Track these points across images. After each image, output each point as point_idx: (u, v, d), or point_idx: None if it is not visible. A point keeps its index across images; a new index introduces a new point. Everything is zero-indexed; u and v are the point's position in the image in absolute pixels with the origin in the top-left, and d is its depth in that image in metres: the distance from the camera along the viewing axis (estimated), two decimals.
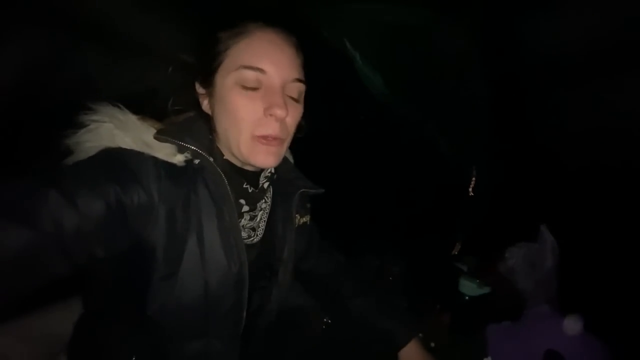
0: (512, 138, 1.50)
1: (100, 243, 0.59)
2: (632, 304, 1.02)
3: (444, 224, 1.70)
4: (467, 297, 1.37)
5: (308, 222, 0.93)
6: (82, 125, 0.64)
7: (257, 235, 0.79)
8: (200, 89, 0.72)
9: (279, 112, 0.66)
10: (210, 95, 0.70)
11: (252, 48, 0.66)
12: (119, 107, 0.67)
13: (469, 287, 1.38)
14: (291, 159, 0.91)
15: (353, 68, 1.36)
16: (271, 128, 0.67)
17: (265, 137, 0.68)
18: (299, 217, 0.88)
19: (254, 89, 0.66)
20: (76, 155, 0.63)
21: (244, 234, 0.75)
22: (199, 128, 0.72)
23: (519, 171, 1.48)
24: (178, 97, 0.74)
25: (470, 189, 1.65)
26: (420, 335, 0.96)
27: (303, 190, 0.84)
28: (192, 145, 0.68)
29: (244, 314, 0.76)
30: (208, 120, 0.73)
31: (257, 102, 0.66)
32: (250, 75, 0.65)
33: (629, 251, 1.14)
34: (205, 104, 0.73)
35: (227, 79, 0.67)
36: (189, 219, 0.68)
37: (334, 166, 1.44)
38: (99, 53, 0.93)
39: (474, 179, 1.65)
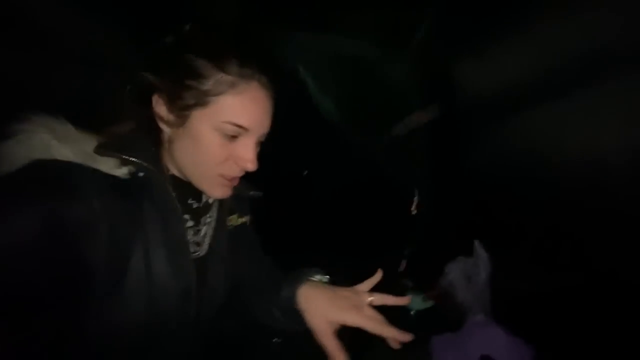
0: (450, 162, 1.62)
1: (34, 264, 0.54)
2: (557, 309, 1.13)
3: (391, 241, 1.76)
4: (412, 311, 1.45)
5: (247, 222, 0.91)
6: (11, 136, 0.59)
7: (202, 250, 0.77)
8: (162, 111, 0.68)
9: (250, 167, 0.68)
10: (177, 125, 0.67)
11: (242, 105, 0.65)
12: (55, 116, 0.63)
13: (415, 302, 1.45)
14: None
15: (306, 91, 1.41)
16: (237, 172, 0.69)
17: (229, 178, 0.69)
18: (236, 217, 0.87)
19: (232, 138, 0.66)
20: (1, 168, 0.58)
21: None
22: (144, 141, 0.70)
23: (455, 192, 1.59)
24: (129, 110, 0.71)
25: (413, 208, 1.75)
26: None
27: (236, 191, 0.82)
28: (137, 159, 0.65)
29: (191, 331, 0.74)
30: (155, 133, 0.71)
31: (230, 151, 0.67)
32: (232, 129, 0.65)
33: (556, 260, 1.26)
34: (164, 126, 0.69)
35: (208, 124, 0.65)
36: (133, 234, 0.65)
37: (283, 181, 1.46)
38: (35, 58, 0.87)
39: (416, 198, 1.75)
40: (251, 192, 0.87)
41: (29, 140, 0.59)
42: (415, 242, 1.75)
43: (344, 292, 0.77)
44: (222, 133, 0.65)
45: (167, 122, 0.68)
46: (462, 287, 1.31)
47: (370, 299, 0.76)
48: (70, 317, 0.62)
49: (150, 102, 0.68)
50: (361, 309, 0.73)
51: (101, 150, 0.63)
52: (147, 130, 0.70)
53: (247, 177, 0.85)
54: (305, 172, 1.70)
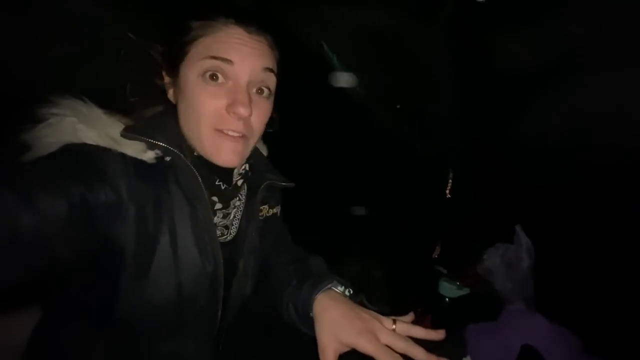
0: (487, 140, 1.52)
1: (63, 246, 0.56)
2: (603, 299, 1.05)
3: (423, 227, 1.70)
4: (447, 299, 1.40)
5: (278, 214, 0.91)
6: (41, 120, 0.60)
7: (230, 234, 0.77)
8: (166, 77, 0.71)
9: (242, 111, 0.64)
10: (174, 85, 0.69)
11: (220, 39, 0.64)
12: (82, 99, 0.64)
13: (449, 289, 1.41)
14: (265, 152, 0.89)
15: (331, 70, 1.37)
16: (234, 125, 0.66)
17: (228, 133, 0.66)
18: (267, 208, 0.86)
19: (218, 82, 0.64)
20: (34, 152, 0.60)
21: (217, 232, 0.73)
22: (169, 123, 0.70)
23: (494, 173, 1.49)
24: (142, 85, 0.71)
25: (448, 191, 1.67)
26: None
27: (269, 182, 0.82)
28: (162, 142, 0.65)
29: (219, 313, 0.74)
30: (174, 114, 0.71)
31: (219, 98, 0.64)
32: (215, 65, 0.63)
33: (601, 250, 1.17)
34: (170, 93, 0.71)
35: (192, 69, 0.65)
36: (160, 218, 0.65)
37: (313, 168, 1.44)
38: (63, 42, 0.89)
39: (450, 181, 1.67)
40: (283, 183, 0.85)
41: (58, 124, 0.61)
42: (449, 227, 1.68)
43: (363, 312, 0.68)
44: (205, 78, 0.64)
45: (170, 89, 0.70)
46: (501, 275, 1.24)
47: (392, 326, 0.66)
48: (98, 299, 0.64)
49: (160, 76, 0.70)
50: (378, 335, 0.64)
51: (128, 133, 0.64)
52: (171, 114, 0.71)
53: (278, 166, 0.85)
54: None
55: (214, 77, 0.64)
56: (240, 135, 0.67)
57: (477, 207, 1.54)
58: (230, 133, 0.66)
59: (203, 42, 0.65)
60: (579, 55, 1.13)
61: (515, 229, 1.26)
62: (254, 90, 0.68)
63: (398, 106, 1.47)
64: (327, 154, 1.62)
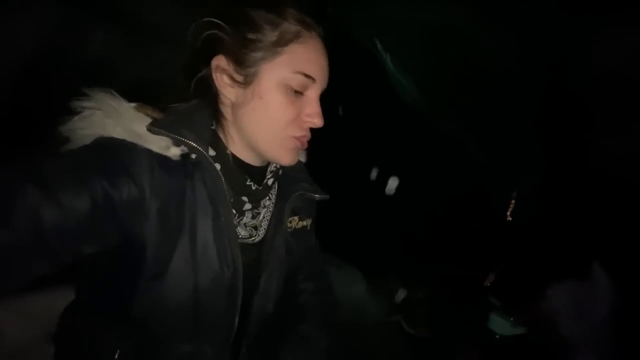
0: (562, 159, 1.38)
1: (86, 240, 0.57)
2: None
3: (477, 250, 1.58)
4: (497, 336, 1.30)
5: (308, 227, 0.88)
6: (76, 112, 0.62)
7: (258, 235, 0.75)
8: (228, 74, 0.67)
9: (318, 122, 0.68)
10: (245, 84, 0.66)
11: (308, 54, 0.66)
12: (110, 92, 0.65)
13: (501, 325, 1.31)
14: (303, 158, 0.86)
15: (384, 72, 1.30)
16: (305, 130, 0.69)
17: (299, 138, 0.68)
18: (297, 220, 0.83)
19: (298, 93, 0.66)
20: (72, 143, 0.62)
21: (245, 233, 0.72)
22: (201, 118, 0.69)
23: (569, 197, 1.36)
24: (190, 79, 0.70)
25: (509, 214, 1.51)
26: None
27: (302, 192, 0.80)
28: (188, 139, 0.64)
29: (237, 320, 0.72)
30: (215, 109, 0.70)
31: (297, 106, 0.66)
32: (301, 80, 0.65)
33: None
34: (229, 91, 0.68)
35: (275, 77, 0.65)
36: (182, 217, 0.65)
37: (356, 179, 1.38)
38: (117, 34, 0.92)
39: (513, 202, 1.51)
40: (316, 195, 0.83)
41: (90, 117, 0.62)
42: (508, 254, 1.54)
43: None
44: (288, 89, 0.65)
45: (233, 85, 0.67)
46: (569, 317, 1.12)
47: None
48: (118, 294, 0.64)
49: (210, 69, 0.67)
50: None
51: (154, 128, 0.63)
52: (208, 105, 0.69)
53: (317, 178, 0.84)
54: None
55: (298, 92, 0.67)
56: (308, 138, 0.70)
57: (546, 234, 1.38)
58: (301, 138, 0.69)
59: (294, 51, 0.65)
60: None
61: (592, 265, 1.13)
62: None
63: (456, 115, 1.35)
64: (376, 164, 1.57)
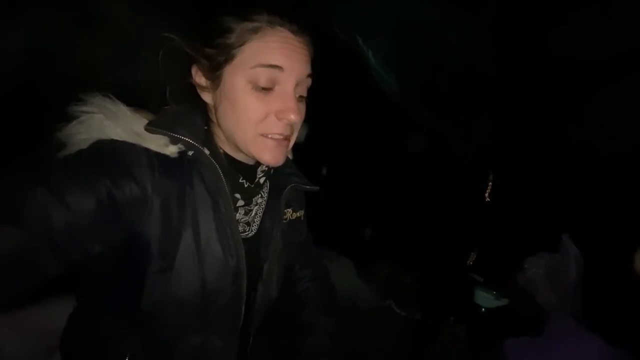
0: (532, 141, 1.44)
1: (93, 239, 0.58)
2: None
3: (458, 231, 1.64)
4: (483, 309, 1.35)
5: (302, 218, 0.90)
6: (73, 117, 0.63)
7: (251, 230, 0.77)
8: (201, 80, 0.69)
9: (293, 118, 0.65)
10: (214, 88, 0.68)
11: (269, 45, 0.64)
12: (109, 97, 0.66)
13: (485, 299, 1.36)
14: (290, 155, 0.88)
15: (366, 66, 1.33)
16: (281, 129, 0.66)
17: (274, 137, 0.67)
18: (291, 211, 0.86)
19: (267, 89, 0.64)
20: (68, 148, 0.62)
21: (239, 228, 0.74)
22: (193, 118, 0.71)
23: (540, 176, 1.42)
24: (175, 86, 0.71)
25: (487, 195, 1.59)
26: None
27: (294, 185, 0.81)
28: (184, 136, 0.66)
29: (243, 308, 0.74)
30: (204, 110, 0.72)
31: (269, 104, 0.65)
32: (265, 73, 0.63)
33: None
34: (206, 95, 0.70)
35: (239, 76, 0.64)
36: (184, 211, 0.67)
37: (341, 168, 1.40)
38: (101, 41, 0.91)
39: (490, 184, 1.59)
40: (307, 186, 0.84)
41: (88, 121, 0.64)
42: (487, 233, 1.60)
43: None
44: (255, 84, 0.64)
45: (206, 90, 0.68)
46: (544, 286, 1.17)
47: None
48: (126, 291, 0.65)
49: (191, 75, 0.68)
50: None
51: (151, 127, 0.65)
52: (196, 108, 0.71)
53: (304, 169, 0.84)
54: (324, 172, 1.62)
55: (264, 88, 0.65)
56: (284, 137, 0.68)
57: (520, 213, 1.45)
58: (277, 137, 0.67)
59: (251, 47, 0.64)
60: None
61: (562, 238, 1.18)
62: (297, 95, 0.68)
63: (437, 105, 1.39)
64: (358, 155, 1.59)
